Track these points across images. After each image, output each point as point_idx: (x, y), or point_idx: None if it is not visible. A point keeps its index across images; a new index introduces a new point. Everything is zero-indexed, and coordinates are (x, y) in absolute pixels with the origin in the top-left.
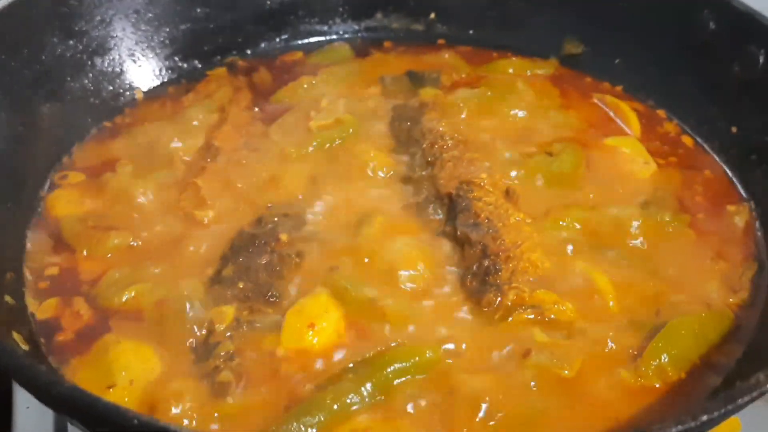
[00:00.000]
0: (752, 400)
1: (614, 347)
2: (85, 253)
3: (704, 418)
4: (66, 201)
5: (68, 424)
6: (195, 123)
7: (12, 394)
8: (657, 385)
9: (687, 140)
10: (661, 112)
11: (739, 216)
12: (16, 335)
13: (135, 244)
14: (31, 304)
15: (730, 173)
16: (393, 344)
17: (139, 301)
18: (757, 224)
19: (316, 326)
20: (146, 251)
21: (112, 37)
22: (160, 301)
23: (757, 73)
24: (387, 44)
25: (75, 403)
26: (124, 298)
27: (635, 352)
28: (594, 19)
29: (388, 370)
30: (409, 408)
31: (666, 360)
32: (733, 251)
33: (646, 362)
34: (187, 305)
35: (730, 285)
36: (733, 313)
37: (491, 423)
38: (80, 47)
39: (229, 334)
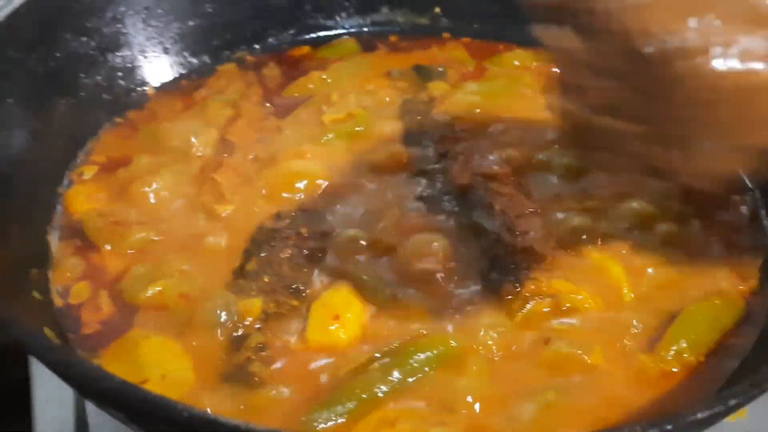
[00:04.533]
0: None
1: (632, 333)
2: (108, 248)
3: (732, 402)
4: (85, 197)
5: (87, 415)
6: (208, 118)
7: (30, 384)
8: (675, 369)
9: None
10: None
11: (745, 205)
12: (47, 331)
13: (157, 239)
14: (57, 300)
15: None
16: (417, 334)
17: (165, 296)
18: (763, 213)
19: (340, 318)
20: (169, 246)
21: (124, 34)
22: (186, 296)
23: None
24: (393, 38)
25: (125, 397)
26: (149, 293)
27: (653, 338)
28: None
29: (414, 359)
30: (434, 394)
31: (685, 345)
32: (741, 240)
33: (665, 347)
34: (214, 299)
35: (740, 273)
36: (745, 299)
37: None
38: (93, 44)
39: (258, 326)
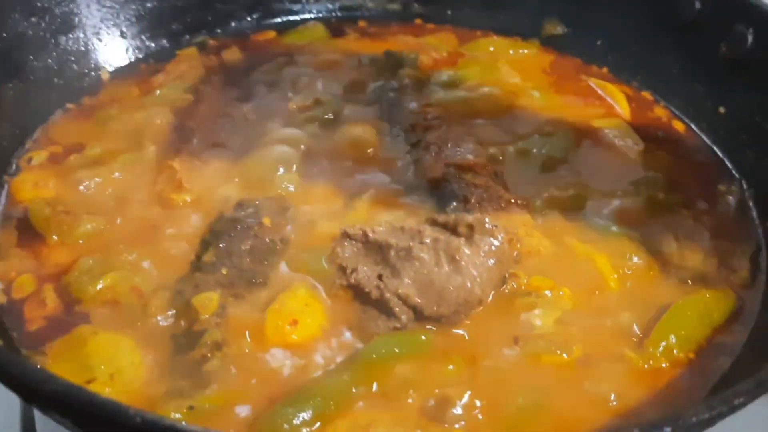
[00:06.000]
0: None
1: (618, 329)
2: (55, 239)
3: (738, 401)
4: (32, 184)
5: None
6: (166, 104)
7: None
8: (664, 365)
9: (678, 125)
10: (647, 94)
11: (732, 195)
12: None
13: (109, 230)
14: None
15: (720, 153)
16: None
17: (115, 290)
18: (751, 204)
19: (299, 322)
20: (121, 237)
21: (76, 14)
22: (138, 289)
23: (745, 53)
24: (362, 24)
25: (70, 401)
26: (98, 287)
27: (641, 334)
28: None
29: (382, 357)
30: (411, 397)
31: (674, 341)
32: (729, 230)
33: (653, 343)
34: (168, 293)
35: (729, 265)
36: (735, 292)
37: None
38: (43, 25)
39: (215, 321)
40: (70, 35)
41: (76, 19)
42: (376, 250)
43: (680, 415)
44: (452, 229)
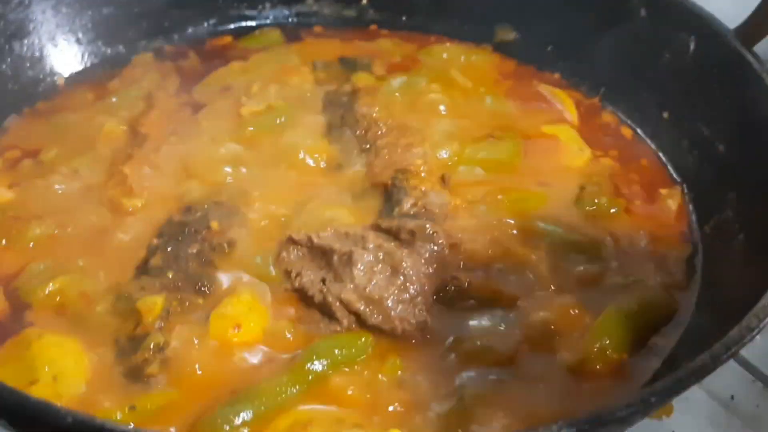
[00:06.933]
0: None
1: (556, 331)
2: (4, 243)
3: (652, 400)
4: None
5: None
6: (120, 109)
7: None
8: (598, 367)
9: (626, 131)
10: (596, 100)
11: (672, 199)
12: None
13: (58, 234)
14: None
15: (663, 158)
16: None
17: (63, 294)
18: (690, 207)
19: (242, 326)
20: (70, 241)
21: (31, 20)
22: (85, 294)
23: (688, 60)
24: (318, 29)
25: (5, 403)
26: (46, 291)
27: (577, 335)
28: (524, 5)
29: (322, 360)
30: (351, 397)
31: (608, 342)
32: (668, 234)
33: (588, 344)
34: (113, 297)
35: (666, 267)
36: (670, 295)
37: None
38: None
39: (158, 325)
40: (25, 41)
41: (31, 25)
42: (321, 255)
43: (599, 412)
44: (395, 235)
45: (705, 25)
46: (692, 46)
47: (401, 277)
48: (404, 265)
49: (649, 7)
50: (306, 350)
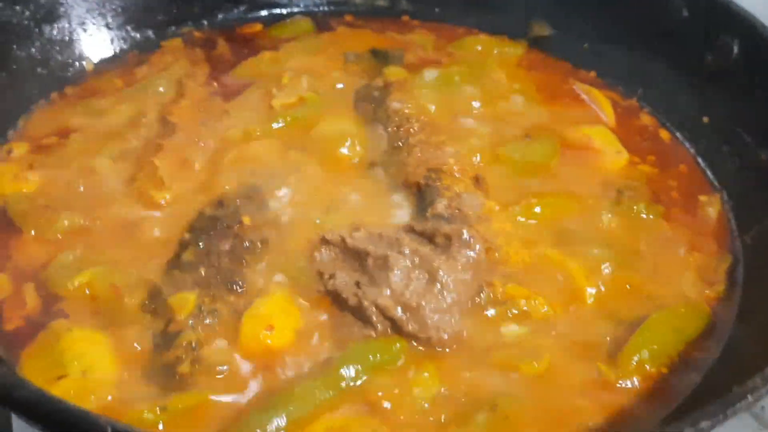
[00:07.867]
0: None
1: (592, 341)
2: (33, 233)
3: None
4: (12, 177)
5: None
6: (149, 97)
7: None
8: (636, 379)
9: (664, 134)
10: (633, 101)
11: (712, 207)
12: None
13: (88, 226)
14: None
15: (702, 163)
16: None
17: (93, 286)
18: (730, 215)
19: (274, 328)
20: (100, 233)
21: (62, 4)
22: (115, 287)
23: (730, 64)
24: (349, 18)
25: (39, 408)
26: (76, 283)
27: (613, 346)
28: (562, 1)
29: (359, 362)
30: (386, 404)
31: (646, 355)
32: (708, 243)
33: (626, 357)
34: (144, 291)
35: (706, 277)
36: (710, 307)
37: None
38: (27, 14)
39: (191, 322)
40: (55, 25)
41: (61, 9)
42: (354, 256)
43: None
44: (429, 238)
45: (750, 27)
46: (736, 49)
47: (438, 285)
48: (441, 271)
49: (691, 7)
50: (341, 355)
